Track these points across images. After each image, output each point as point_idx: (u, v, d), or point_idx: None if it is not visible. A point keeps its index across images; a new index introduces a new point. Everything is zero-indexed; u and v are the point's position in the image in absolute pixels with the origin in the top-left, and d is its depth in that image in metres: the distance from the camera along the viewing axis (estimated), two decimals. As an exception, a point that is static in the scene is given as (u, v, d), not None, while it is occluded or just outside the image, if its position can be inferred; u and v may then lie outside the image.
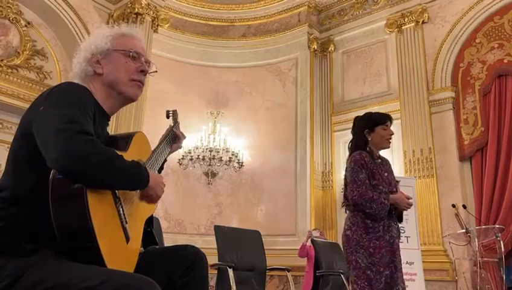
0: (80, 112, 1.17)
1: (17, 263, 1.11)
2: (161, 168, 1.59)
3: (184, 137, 1.72)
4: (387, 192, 2.64)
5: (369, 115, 2.88)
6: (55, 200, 1.09)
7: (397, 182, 2.77)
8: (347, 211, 2.79)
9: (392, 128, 2.84)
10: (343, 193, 2.86)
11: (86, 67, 1.37)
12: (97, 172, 1.10)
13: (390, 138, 2.80)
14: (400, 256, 2.65)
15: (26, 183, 1.17)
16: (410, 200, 2.71)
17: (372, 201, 2.56)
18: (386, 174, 2.72)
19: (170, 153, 1.66)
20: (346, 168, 2.78)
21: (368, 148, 2.74)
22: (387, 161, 2.89)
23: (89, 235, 1.07)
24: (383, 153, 2.91)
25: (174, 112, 1.73)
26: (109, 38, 1.40)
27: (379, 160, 2.78)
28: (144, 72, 1.43)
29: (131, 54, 1.41)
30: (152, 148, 1.53)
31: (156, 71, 1.49)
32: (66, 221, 1.09)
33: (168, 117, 1.73)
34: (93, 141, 1.12)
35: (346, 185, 2.77)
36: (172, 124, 1.72)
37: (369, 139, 2.75)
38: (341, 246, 4.55)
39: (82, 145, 1.09)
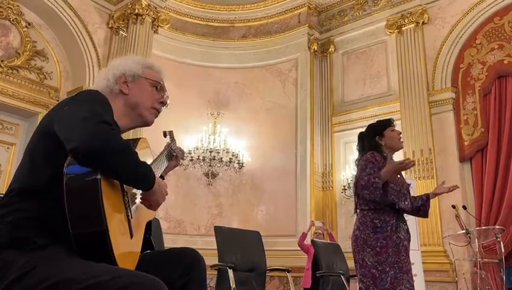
0: (104, 110, 1.27)
1: (28, 257, 1.12)
2: None
3: (183, 153, 1.81)
4: (398, 190, 2.71)
5: (373, 124, 2.99)
6: (69, 190, 1.12)
7: (408, 185, 2.88)
8: (357, 212, 2.84)
9: None
10: (355, 196, 2.88)
11: (113, 85, 1.46)
12: (115, 158, 1.16)
13: (401, 137, 2.90)
14: (406, 257, 2.69)
15: (41, 177, 1.20)
16: (406, 161, 2.68)
17: (364, 188, 2.64)
18: (398, 176, 2.82)
19: (168, 170, 1.72)
20: (357, 168, 2.85)
21: (385, 154, 2.82)
22: None
23: (100, 221, 1.10)
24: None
25: (171, 133, 1.83)
26: (141, 66, 1.52)
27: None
28: (163, 104, 1.55)
29: (158, 85, 1.53)
30: (152, 156, 1.59)
31: (168, 107, 1.61)
32: (80, 210, 1.11)
33: (165, 136, 1.83)
34: (115, 130, 1.23)
35: (356, 187, 2.84)
36: (169, 142, 1.80)
37: (382, 143, 2.84)
38: (342, 247, 4.60)
39: (106, 131, 1.17)
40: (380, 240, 2.63)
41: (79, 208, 1.12)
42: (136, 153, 1.24)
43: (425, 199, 2.89)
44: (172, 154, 1.74)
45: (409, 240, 2.78)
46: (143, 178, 1.26)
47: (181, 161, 1.81)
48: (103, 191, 1.13)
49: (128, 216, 1.25)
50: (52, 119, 1.25)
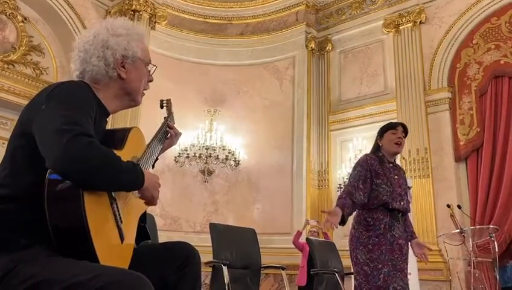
0: (81, 113, 1.17)
1: (11, 257, 1.11)
2: (152, 166, 1.57)
3: (179, 134, 1.68)
4: (390, 190, 2.77)
5: (383, 125, 3.07)
6: (51, 200, 1.09)
7: (407, 187, 2.97)
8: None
9: None
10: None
11: (111, 71, 1.33)
12: (96, 176, 1.11)
13: (398, 142, 2.91)
14: (401, 255, 2.74)
15: (24, 182, 1.17)
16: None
17: (339, 198, 2.77)
18: (396, 177, 2.88)
19: (163, 150, 1.63)
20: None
21: (380, 154, 2.91)
22: (401, 168, 3.06)
23: (84, 236, 1.07)
24: None
25: (168, 102, 1.68)
26: (140, 45, 1.38)
27: (390, 164, 2.93)
28: (150, 82, 1.46)
29: (150, 65, 1.43)
30: (145, 146, 1.51)
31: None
32: (62, 221, 1.09)
33: (162, 107, 1.68)
34: (93, 144, 1.12)
35: None
36: (166, 116, 1.67)
37: (380, 144, 2.94)
38: (337, 246, 4.62)
39: (83, 148, 1.09)
40: (372, 238, 2.69)
41: (61, 218, 1.09)
42: (119, 158, 1.17)
43: (410, 234, 2.89)
44: (167, 134, 1.61)
45: (406, 239, 2.82)
46: (129, 183, 1.21)
47: (176, 141, 1.67)
48: (88, 197, 1.10)
49: (117, 221, 1.22)
50: (31, 117, 1.19)
